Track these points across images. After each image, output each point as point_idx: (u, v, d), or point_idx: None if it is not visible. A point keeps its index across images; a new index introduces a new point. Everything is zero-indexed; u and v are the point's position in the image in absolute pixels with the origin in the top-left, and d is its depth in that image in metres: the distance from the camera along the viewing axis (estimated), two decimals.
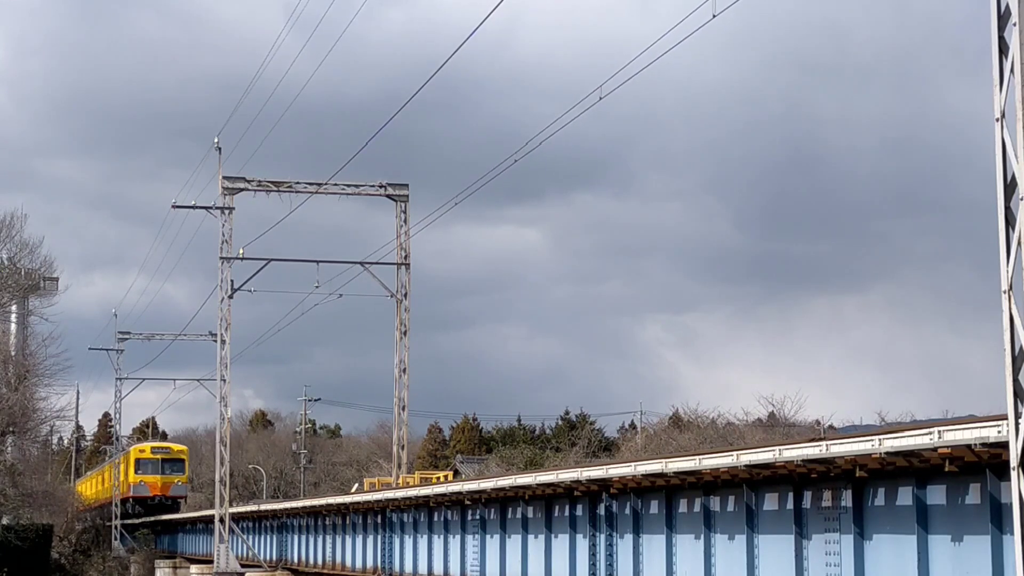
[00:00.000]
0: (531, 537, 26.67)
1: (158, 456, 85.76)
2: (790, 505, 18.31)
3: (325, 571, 41.93)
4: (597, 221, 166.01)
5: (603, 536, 23.52)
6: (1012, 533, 12.39)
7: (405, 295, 48.48)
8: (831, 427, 58.80)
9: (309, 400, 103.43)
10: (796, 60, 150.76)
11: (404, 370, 48.32)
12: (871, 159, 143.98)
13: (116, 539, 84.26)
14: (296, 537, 46.68)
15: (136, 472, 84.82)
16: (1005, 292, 12.50)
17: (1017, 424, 12.41)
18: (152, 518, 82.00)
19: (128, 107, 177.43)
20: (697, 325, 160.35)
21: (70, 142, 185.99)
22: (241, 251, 48.90)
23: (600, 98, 24.06)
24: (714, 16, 19.73)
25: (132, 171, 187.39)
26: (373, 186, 48.92)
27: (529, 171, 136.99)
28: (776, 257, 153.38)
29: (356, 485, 66.97)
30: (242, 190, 48.76)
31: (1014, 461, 12.40)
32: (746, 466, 17.86)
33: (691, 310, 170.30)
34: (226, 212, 49.00)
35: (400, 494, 33.19)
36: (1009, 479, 12.58)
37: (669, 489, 21.32)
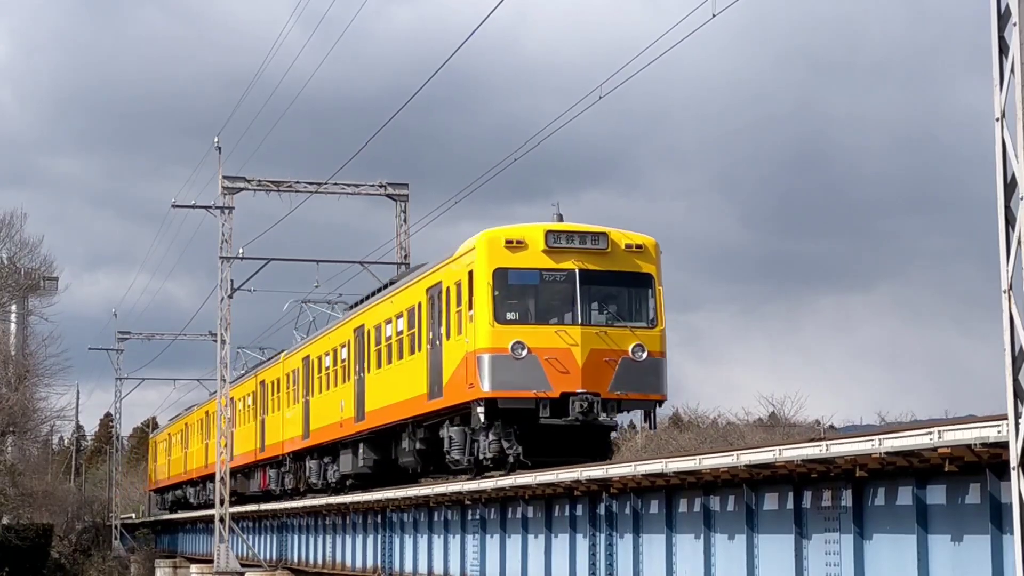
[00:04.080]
0: (531, 537, 26.66)
1: (571, 259, 27.20)
2: (790, 505, 18.30)
3: (325, 571, 41.92)
4: (604, 219, 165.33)
5: (603, 536, 23.52)
6: (1012, 533, 12.39)
7: None
8: (831, 427, 58.85)
9: None
10: (806, 57, 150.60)
11: None
12: (881, 157, 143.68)
13: (116, 539, 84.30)
14: (296, 537, 46.69)
15: (498, 318, 26.71)
16: (1005, 292, 12.52)
17: (1017, 424, 12.41)
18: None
19: (133, 104, 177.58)
20: (702, 324, 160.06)
21: (74, 139, 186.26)
22: (241, 251, 48.89)
23: (600, 97, 24.05)
24: (714, 16, 19.74)
25: (136, 168, 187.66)
26: (373, 185, 48.91)
27: (538, 169, 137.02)
28: (783, 255, 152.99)
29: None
30: (242, 189, 48.74)
31: (1014, 461, 12.40)
32: (746, 466, 17.85)
33: (696, 309, 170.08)
34: (226, 212, 49.00)
35: (400, 494, 33.15)
36: (1009, 479, 12.58)
37: (669, 489, 21.31)
